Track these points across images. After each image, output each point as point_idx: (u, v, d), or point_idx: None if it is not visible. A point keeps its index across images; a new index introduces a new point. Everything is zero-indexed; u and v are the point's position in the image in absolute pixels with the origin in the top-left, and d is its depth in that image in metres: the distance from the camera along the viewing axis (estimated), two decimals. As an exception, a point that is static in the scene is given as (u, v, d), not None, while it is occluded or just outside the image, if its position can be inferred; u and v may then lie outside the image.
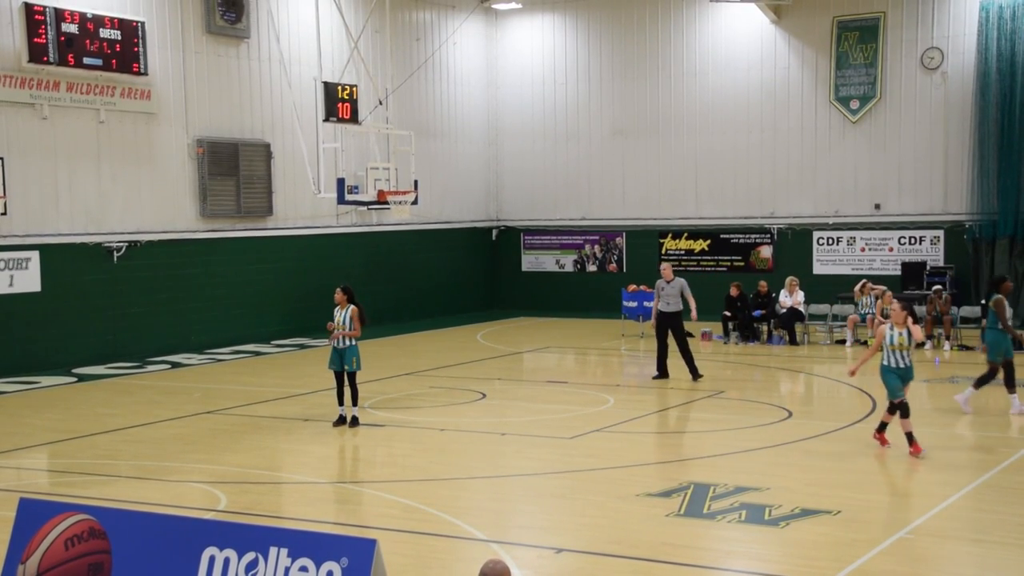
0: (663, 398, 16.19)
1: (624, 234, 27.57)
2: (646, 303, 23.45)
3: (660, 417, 14.50)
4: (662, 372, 17.41)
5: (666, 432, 13.59)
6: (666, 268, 17.70)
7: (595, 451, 12.55)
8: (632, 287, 23.96)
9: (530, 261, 28.82)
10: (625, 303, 23.76)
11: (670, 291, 17.23)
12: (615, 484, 10.96)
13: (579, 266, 28.18)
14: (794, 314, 21.64)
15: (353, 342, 13.93)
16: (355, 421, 14.00)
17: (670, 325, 17.33)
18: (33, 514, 6.45)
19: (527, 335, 24.12)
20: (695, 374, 17.22)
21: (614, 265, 27.71)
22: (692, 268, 26.67)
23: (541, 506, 10.58)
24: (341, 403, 14.10)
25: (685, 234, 26.83)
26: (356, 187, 21.10)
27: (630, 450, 12.60)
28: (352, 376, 14.03)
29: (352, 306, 13.91)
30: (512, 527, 9.90)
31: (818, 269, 25.27)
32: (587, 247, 28.05)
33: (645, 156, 27.20)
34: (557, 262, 28.48)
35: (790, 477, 11.11)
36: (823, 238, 25.35)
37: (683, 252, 26.88)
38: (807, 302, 22.00)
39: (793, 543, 9.00)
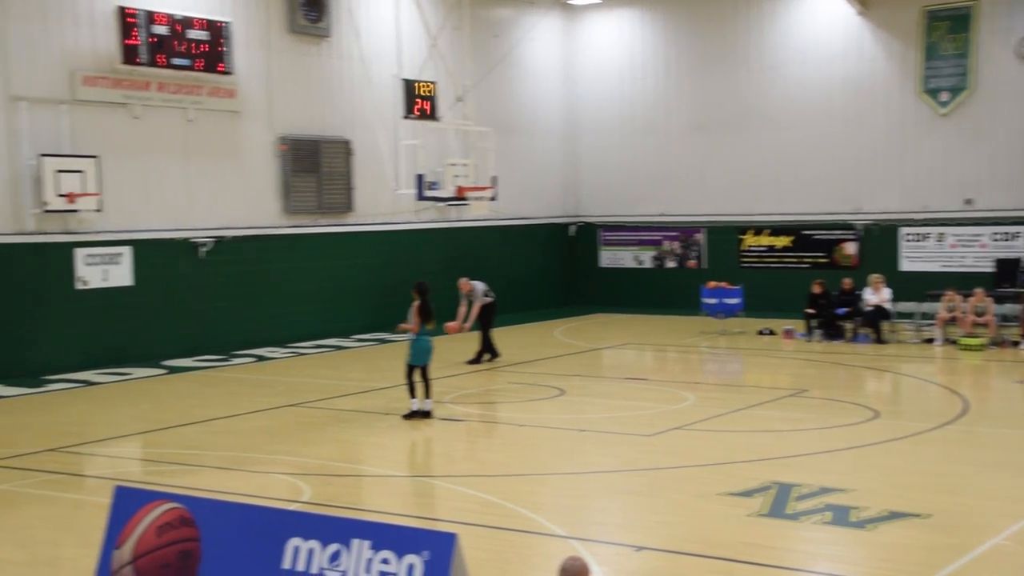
0: (744, 396, 16.00)
1: (704, 230, 27.31)
2: (726, 300, 23.23)
3: (741, 415, 14.33)
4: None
5: (747, 431, 13.43)
6: (462, 283, 19.32)
7: (675, 449, 12.46)
8: (712, 284, 23.72)
9: (608, 257, 28.71)
10: (705, 300, 23.52)
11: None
12: (695, 482, 10.87)
13: (658, 262, 27.98)
14: (880, 312, 21.20)
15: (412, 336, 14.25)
16: (428, 414, 14.14)
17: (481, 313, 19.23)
18: (127, 501, 6.63)
19: (605, 331, 24.03)
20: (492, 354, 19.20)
21: (694, 261, 27.46)
22: (774, 265, 26.32)
23: (620, 503, 10.54)
24: (413, 396, 14.28)
25: (767, 230, 26.47)
26: (435, 183, 21.25)
27: (710, 448, 12.48)
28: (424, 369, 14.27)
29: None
30: (591, 524, 9.88)
31: (905, 266, 24.71)
32: (666, 243, 27.84)
33: (725, 151, 26.90)
34: (635, 258, 28.32)
35: (877, 479, 10.89)
36: (911, 234, 24.79)
37: (764, 248, 26.52)
38: (894, 300, 21.54)
39: (880, 546, 8.81)
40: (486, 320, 19.22)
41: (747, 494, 10.23)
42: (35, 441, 13.18)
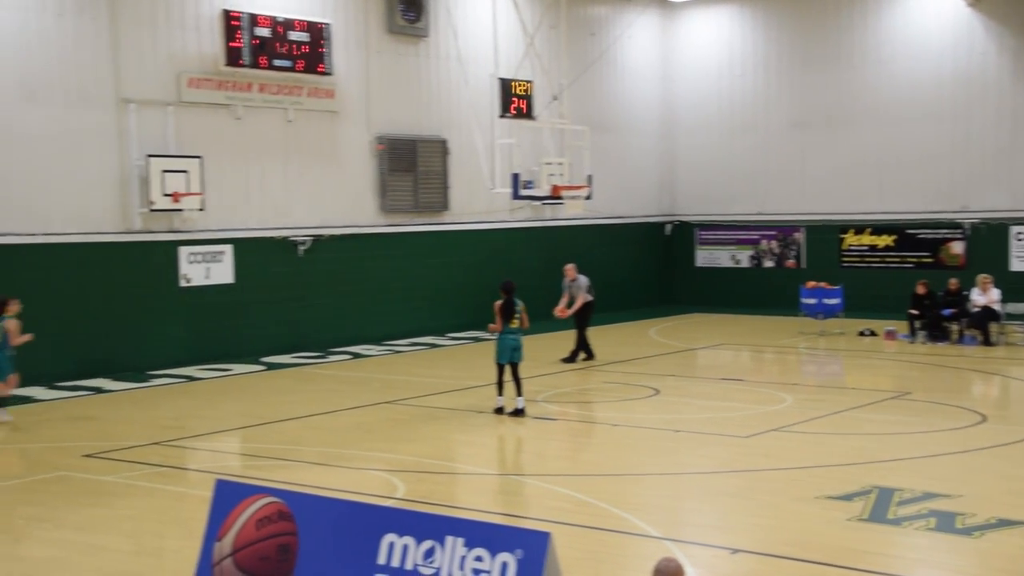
0: (844, 398, 15.65)
1: (803, 229, 26.79)
2: (826, 300, 22.76)
3: (840, 418, 14.02)
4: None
5: (847, 433, 13.12)
6: (568, 269, 19.48)
7: (772, 451, 12.25)
8: (811, 283, 23.28)
9: (704, 256, 28.38)
10: (804, 300, 23.09)
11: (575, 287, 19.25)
12: (793, 485, 10.66)
13: (755, 262, 27.56)
14: (988, 313, 20.51)
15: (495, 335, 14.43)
16: (521, 412, 14.18)
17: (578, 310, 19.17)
18: (228, 495, 6.76)
19: (701, 331, 23.77)
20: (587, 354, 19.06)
21: (792, 261, 26.97)
22: (875, 265, 25.70)
23: (716, 505, 10.40)
24: (500, 393, 14.36)
25: (868, 229, 25.85)
26: (530, 182, 21.25)
27: (808, 451, 12.23)
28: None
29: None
30: (686, 525, 9.77)
31: (1017, 266, 23.85)
32: (764, 242, 27.40)
33: (826, 148, 26.35)
34: (732, 257, 27.94)
35: (985, 484, 10.53)
36: (1022, 233, 23.92)
37: (866, 248, 25.91)
38: (1003, 300, 20.81)
39: (988, 554, 8.52)
40: (583, 319, 19.15)
41: (847, 498, 10.00)
42: (140, 434, 13.57)
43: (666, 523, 9.56)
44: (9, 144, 17.11)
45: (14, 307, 14.60)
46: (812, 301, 22.90)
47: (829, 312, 22.74)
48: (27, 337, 14.62)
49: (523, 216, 24.97)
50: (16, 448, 13.22)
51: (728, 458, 11.97)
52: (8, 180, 17.10)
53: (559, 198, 21.24)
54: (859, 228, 25.99)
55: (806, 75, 26.52)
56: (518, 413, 14.16)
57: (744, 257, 27.72)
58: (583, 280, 19.30)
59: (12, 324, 14.49)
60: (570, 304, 19.16)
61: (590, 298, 19.26)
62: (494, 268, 23.64)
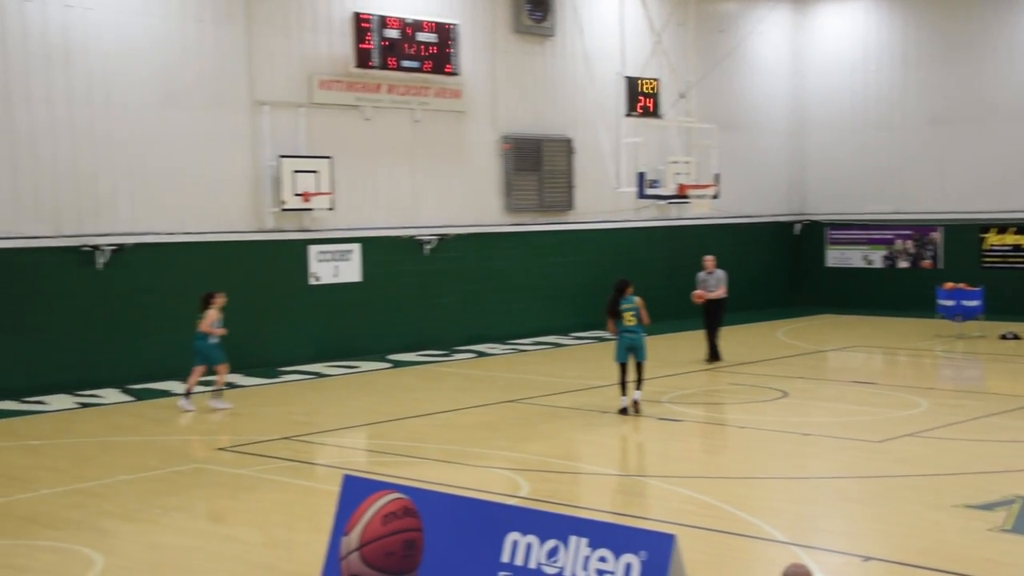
0: (984, 404, 15.01)
1: (941, 228, 25.83)
2: (965, 302, 21.89)
3: (980, 424, 13.45)
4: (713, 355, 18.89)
5: (987, 440, 12.58)
6: (708, 260, 19.24)
7: (905, 456, 11.83)
8: (949, 285, 22.42)
9: (835, 256, 27.63)
10: (940, 302, 22.25)
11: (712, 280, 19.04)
12: (928, 493, 10.27)
13: (889, 262, 26.70)
14: None
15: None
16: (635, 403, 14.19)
17: (709, 309, 18.90)
18: (355, 490, 6.87)
19: (831, 333, 23.15)
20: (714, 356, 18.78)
21: (928, 261, 26.04)
22: (1020, 265, 24.61)
23: (846, 511, 10.10)
24: (623, 393, 14.29)
25: (1013, 228, 24.76)
26: (656, 181, 21.05)
27: (945, 457, 11.77)
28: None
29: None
30: (815, 531, 9.51)
31: None
32: (898, 242, 26.52)
33: (967, 145, 25.34)
34: (865, 257, 27.14)
35: None
36: None
37: (1009, 248, 24.83)
38: None
39: None
40: (714, 319, 18.88)
41: (987, 507, 9.58)
42: (271, 429, 13.93)
43: (794, 528, 9.33)
44: (150, 146, 17.79)
45: (220, 300, 15.19)
46: (950, 303, 22.06)
47: (968, 314, 21.87)
48: (221, 330, 15.06)
49: (648, 215, 24.74)
50: (154, 440, 13.74)
51: (859, 463, 11.61)
52: (148, 180, 17.78)
53: (685, 197, 20.99)
54: (1002, 227, 24.94)
55: (945, 69, 25.56)
56: (634, 405, 14.08)
57: (877, 257, 26.90)
58: (721, 273, 19.08)
59: (210, 314, 15.01)
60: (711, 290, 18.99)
61: (724, 295, 18.96)
62: (618, 268, 23.39)
